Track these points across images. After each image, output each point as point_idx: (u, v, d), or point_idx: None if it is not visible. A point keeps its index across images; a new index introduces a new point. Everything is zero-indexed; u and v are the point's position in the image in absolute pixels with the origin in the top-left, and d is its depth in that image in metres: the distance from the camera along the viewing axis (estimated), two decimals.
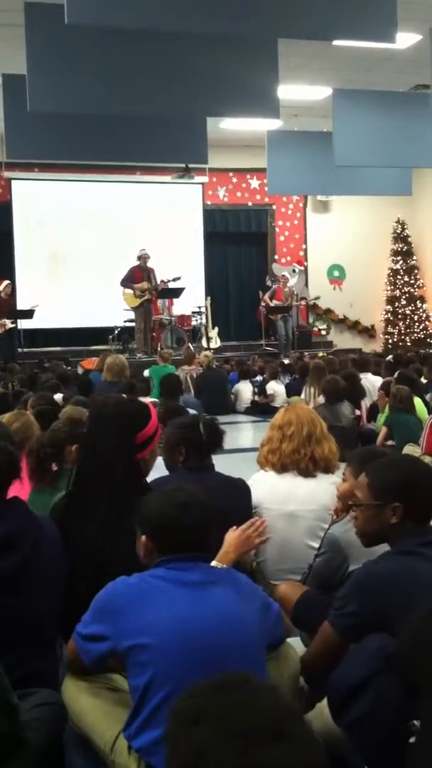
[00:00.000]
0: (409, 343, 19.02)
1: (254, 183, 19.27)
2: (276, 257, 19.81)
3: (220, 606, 2.33)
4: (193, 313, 17.51)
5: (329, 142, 11.47)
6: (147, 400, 6.83)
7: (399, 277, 19.91)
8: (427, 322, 19.72)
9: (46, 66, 8.51)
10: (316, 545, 3.48)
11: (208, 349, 15.87)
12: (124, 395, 3.71)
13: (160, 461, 3.54)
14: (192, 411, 8.11)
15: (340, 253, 19.91)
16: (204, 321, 17.53)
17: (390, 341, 19.60)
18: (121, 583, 2.40)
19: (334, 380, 8.10)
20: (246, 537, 3.01)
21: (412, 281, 19.86)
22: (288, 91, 12.41)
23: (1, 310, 15.18)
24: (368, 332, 20.24)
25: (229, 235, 19.77)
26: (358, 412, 8.46)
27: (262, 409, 11.74)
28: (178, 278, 16.09)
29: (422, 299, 19.83)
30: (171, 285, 16.14)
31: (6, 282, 15.74)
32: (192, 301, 17.44)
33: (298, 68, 12.44)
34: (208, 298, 18.10)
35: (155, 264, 16.09)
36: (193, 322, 17.45)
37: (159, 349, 14.88)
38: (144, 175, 17.96)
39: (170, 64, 8.99)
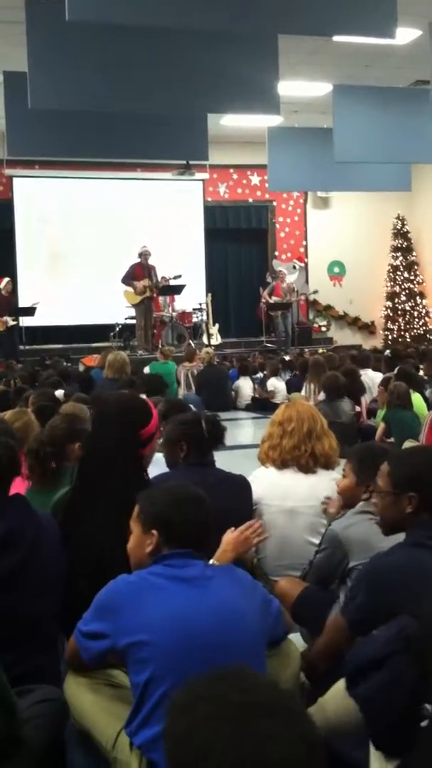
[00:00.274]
0: (408, 339, 19.00)
1: (255, 179, 19.27)
2: (276, 254, 19.81)
3: (219, 602, 2.34)
4: (194, 309, 17.50)
5: (329, 138, 11.47)
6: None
7: (399, 273, 19.90)
8: (426, 318, 19.71)
9: (47, 63, 8.51)
10: (316, 541, 3.49)
11: (209, 345, 15.87)
12: (126, 392, 3.73)
13: (158, 457, 3.55)
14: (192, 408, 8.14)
15: (340, 249, 19.91)
16: (205, 318, 17.54)
17: (390, 337, 19.58)
18: (121, 581, 2.41)
19: (334, 377, 8.11)
20: (244, 537, 3.03)
21: (412, 277, 19.85)
22: (288, 88, 12.40)
23: (1, 307, 15.17)
24: (368, 328, 20.24)
25: (230, 232, 19.76)
26: (358, 408, 8.47)
27: (262, 405, 11.75)
28: (179, 276, 16.10)
29: (422, 295, 19.82)
30: (172, 282, 16.14)
31: (6, 279, 15.74)
32: (193, 297, 17.44)
33: (299, 64, 12.44)
34: (209, 294, 18.10)
35: (156, 261, 16.09)
36: (194, 319, 17.44)
37: (160, 346, 14.88)
38: (145, 172, 17.96)
39: (171, 61, 8.99)
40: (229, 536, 3.01)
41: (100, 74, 8.77)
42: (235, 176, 19.35)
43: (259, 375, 13.00)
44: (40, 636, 2.80)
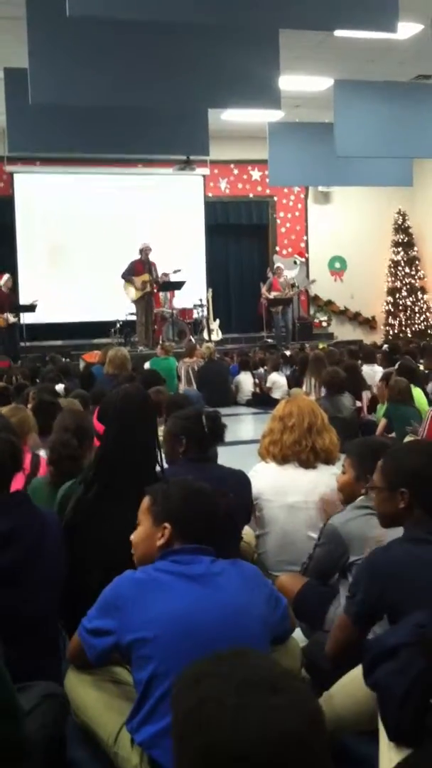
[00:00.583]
0: (409, 335, 18.99)
1: (255, 174, 19.23)
2: (277, 249, 19.79)
3: (223, 598, 2.34)
4: (195, 305, 17.50)
5: (330, 133, 11.44)
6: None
7: (400, 268, 19.88)
8: (427, 313, 19.68)
9: (48, 58, 8.48)
10: (317, 536, 3.49)
11: (210, 341, 15.87)
12: (139, 385, 3.74)
13: None
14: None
15: (341, 244, 19.88)
16: (205, 313, 17.53)
17: (391, 333, 19.58)
18: (126, 578, 2.41)
19: (335, 372, 8.11)
20: None
21: (413, 272, 19.83)
22: (289, 82, 12.37)
23: (2, 304, 15.17)
24: (369, 324, 20.22)
25: (231, 227, 19.73)
26: (359, 403, 8.47)
27: (263, 400, 11.75)
28: (179, 270, 16.08)
29: (423, 290, 19.80)
30: (172, 277, 16.13)
31: (6, 276, 15.73)
32: (193, 293, 17.43)
33: (300, 59, 12.41)
34: (210, 290, 18.10)
35: (157, 256, 16.08)
36: (195, 315, 17.44)
37: (160, 342, 14.88)
38: (145, 168, 17.92)
39: (172, 56, 8.97)
40: None
41: (101, 69, 8.75)
42: (235, 171, 19.32)
43: (260, 370, 13.00)
44: (41, 634, 2.80)
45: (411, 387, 7.48)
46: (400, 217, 19.93)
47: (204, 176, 18.73)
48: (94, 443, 3.78)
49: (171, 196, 18.38)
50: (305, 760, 1.17)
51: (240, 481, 3.75)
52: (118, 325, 16.34)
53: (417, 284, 19.78)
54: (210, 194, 19.17)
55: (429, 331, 19.33)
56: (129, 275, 15.67)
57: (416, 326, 19.55)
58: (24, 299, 16.36)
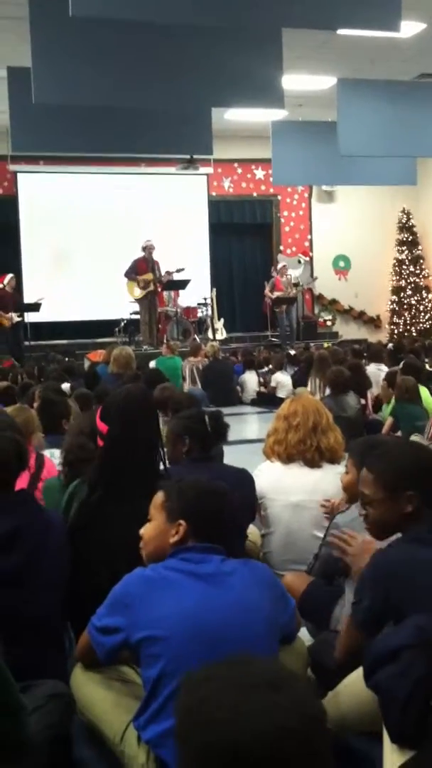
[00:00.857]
0: (414, 334, 18.97)
1: (259, 173, 19.23)
2: (281, 248, 19.78)
3: (233, 598, 2.33)
4: (199, 304, 17.50)
5: (334, 132, 11.43)
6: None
7: (404, 267, 19.87)
8: None
9: (51, 58, 8.48)
10: (322, 535, 3.49)
11: (214, 340, 15.87)
12: (141, 385, 3.74)
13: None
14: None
15: (345, 243, 19.87)
16: (209, 312, 17.54)
17: (396, 332, 19.56)
18: (136, 576, 2.40)
19: (339, 371, 8.10)
20: None
21: (418, 271, 19.81)
22: (292, 81, 12.38)
23: (6, 303, 15.18)
24: (374, 323, 20.21)
25: (234, 226, 19.73)
26: (363, 402, 8.46)
27: (268, 400, 11.74)
28: (182, 269, 16.08)
29: (428, 289, 19.79)
30: (175, 276, 16.12)
31: (10, 275, 15.72)
32: (197, 292, 17.43)
33: (303, 58, 12.41)
34: (214, 289, 18.10)
35: (160, 255, 16.09)
36: (199, 314, 17.44)
37: (165, 340, 14.88)
38: (149, 167, 17.93)
39: (175, 55, 8.97)
40: None
41: (104, 70, 8.75)
42: (239, 170, 19.32)
43: (265, 369, 13.00)
44: (44, 633, 2.79)
45: (418, 386, 7.48)
46: (405, 216, 19.92)
47: (207, 175, 18.74)
48: (98, 443, 3.79)
49: (174, 195, 18.38)
50: (304, 758, 1.18)
51: (243, 479, 3.76)
52: (122, 324, 16.36)
53: (422, 283, 19.77)
54: (214, 193, 19.17)
55: None
56: (132, 274, 15.66)
57: (421, 325, 19.54)
58: (28, 298, 16.38)
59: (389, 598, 2.40)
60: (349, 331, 19.80)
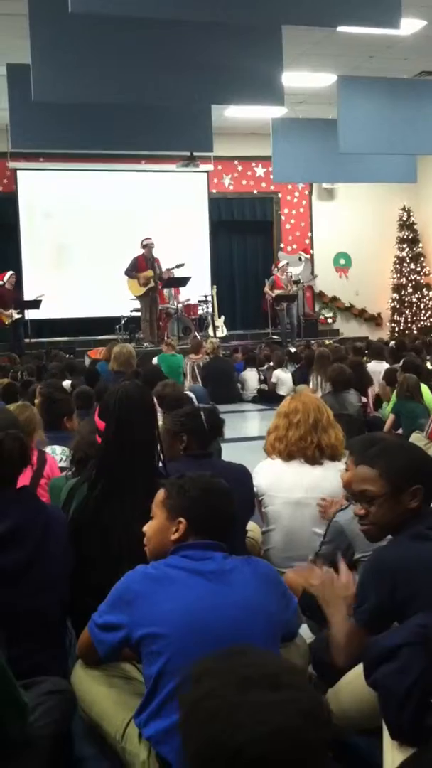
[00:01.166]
0: (415, 331, 18.97)
1: (259, 171, 19.21)
2: (282, 245, 19.77)
3: (234, 596, 2.33)
4: (200, 302, 17.50)
5: (334, 130, 11.43)
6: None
7: (405, 264, 19.86)
8: None
9: (51, 55, 8.48)
10: (323, 532, 3.49)
11: (215, 337, 15.86)
12: (137, 382, 3.75)
13: None
14: (195, 400, 8.15)
15: (346, 241, 19.86)
16: (210, 310, 17.53)
17: (396, 329, 19.56)
18: (138, 573, 2.40)
19: (340, 368, 8.10)
20: None
21: (418, 269, 19.80)
22: (292, 79, 12.37)
23: (6, 300, 15.18)
24: (375, 320, 20.20)
25: (235, 224, 19.71)
26: (364, 399, 8.46)
27: (268, 397, 11.75)
28: (182, 265, 16.06)
29: (428, 287, 19.78)
30: (175, 272, 16.11)
31: (10, 272, 15.73)
32: (198, 290, 17.43)
33: (303, 55, 12.40)
34: (214, 287, 18.09)
35: (161, 253, 16.07)
36: (200, 311, 17.44)
37: (165, 338, 14.88)
38: (149, 164, 17.92)
39: (175, 53, 8.96)
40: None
41: (103, 67, 8.75)
42: (239, 168, 19.30)
43: (266, 366, 13.01)
44: (46, 631, 2.80)
45: (420, 384, 7.48)
46: (405, 214, 19.91)
47: (208, 172, 18.73)
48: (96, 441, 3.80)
49: (175, 192, 18.37)
50: (303, 755, 1.20)
51: (241, 475, 3.75)
52: (122, 321, 16.35)
53: (422, 281, 19.76)
54: (214, 190, 19.16)
55: None
56: (131, 271, 15.65)
57: (422, 323, 19.53)
58: (28, 296, 16.38)
59: (395, 593, 2.39)
60: (350, 329, 19.79)
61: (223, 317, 17.69)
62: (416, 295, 19.68)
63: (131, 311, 16.37)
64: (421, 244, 19.92)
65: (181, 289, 16.84)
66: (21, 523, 2.77)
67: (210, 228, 19.16)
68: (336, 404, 7.05)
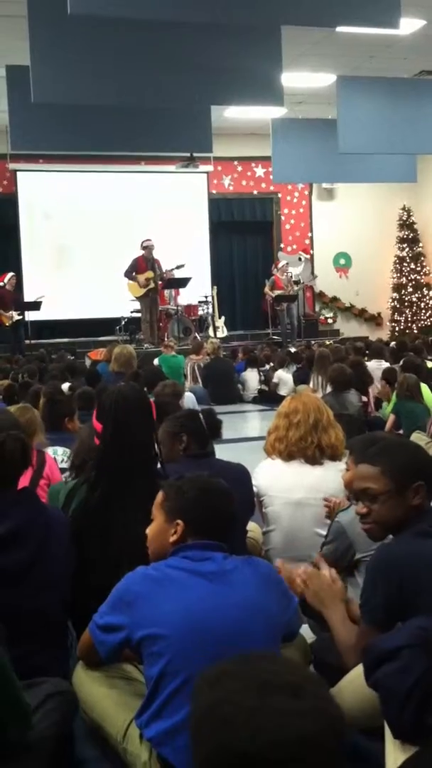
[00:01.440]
0: (415, 331, 18.98)
1: (259, 171, 19.21)
2: (282, 246, 19.77)
3: (235, 596, 2.33)
4: (200, 302, 17.50)
5: (334, 130, 11.43)
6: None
7: (405, 264, 19.87)
8: None
9: (50, 56, 8.48)
10: (324, 532, 3.49)
11: (215, 338, 15.87)
12: (134, 383, 3.75)
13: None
14: (194, 401, 8.17)
15: (346, 241, 19.86)
16: (210, 310, 17.53)
17: (397, 329, 19.56)
18: (138, 574, 2.40)
19: (341, 368, 8.10)
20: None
21: (419, 268, 19.81)
22: (292, 79, 12.38)
23: (6, 302, 15.19)
24: (375, 320, 20.21)
25: (235, 224, 19.72)
26: (365, 399, 8.46)
27: (269, 397, 11.75)
28: (182, 266, 16.06)
29: (428, 286, 19.78)
30: (175, 273, 16.11)
31: (10, 274, 15.74)
32: (198, 290, 17.43)
33: (302, 56, 12.40)
34: (214, 287, 18.10)
35: (161, 254, 16.07)
36: (200, 312, 17.44)
37: (165, 339, 14.88)
38: (148, 165, 17.92)
39: (174, 53, 8.96)
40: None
41: (103, 67, 8.75)
42: (239, 168, 19.31)
43: (266, 367, 13.01)
44: (47, 632, 2.80)
45: (420, 383, 7.48)
46: (405, 213, 19.91)
47: (207, 173, 18.73)
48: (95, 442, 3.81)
49: (175, 193, 18.38)
50: (320, 763, 1.17)
51: (240, 475, 3.75)
52: (123, 323, 16.36)
53: (422, 280, 19.77)
54: (214, 191, 19.16)
55: None
56: (132, 273, 15.65)
57: (422, 323, 19.54)
58: (28, 297, 16.39)
59: (403, 589, 2.38)
60: (350, 329, 19.79)
61: (223, 318, 17.70)
62: (416, 295, 19.69)
63: (131, 312, 16.37)
64: (421, 244, 19.93)
65: (181, 290, 16.85)
66: (22, 523, 2.77)
67: (210, 229, 19.16)
68: (336, 404, 7.04)
